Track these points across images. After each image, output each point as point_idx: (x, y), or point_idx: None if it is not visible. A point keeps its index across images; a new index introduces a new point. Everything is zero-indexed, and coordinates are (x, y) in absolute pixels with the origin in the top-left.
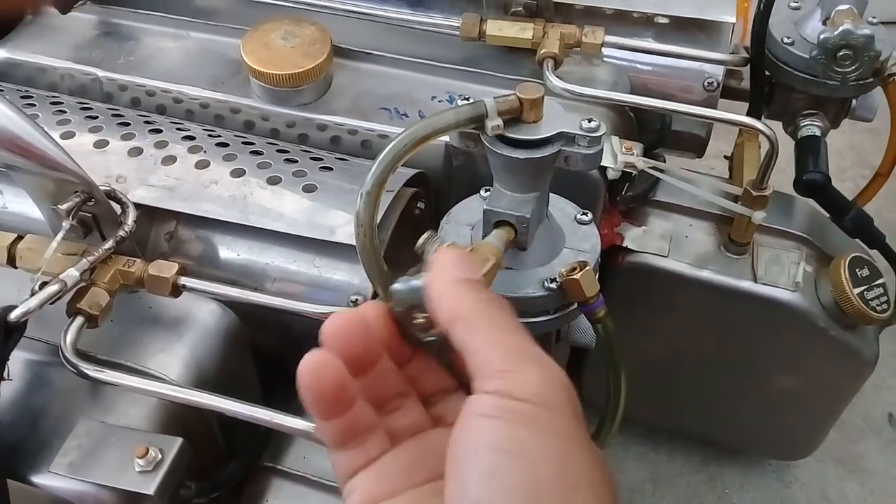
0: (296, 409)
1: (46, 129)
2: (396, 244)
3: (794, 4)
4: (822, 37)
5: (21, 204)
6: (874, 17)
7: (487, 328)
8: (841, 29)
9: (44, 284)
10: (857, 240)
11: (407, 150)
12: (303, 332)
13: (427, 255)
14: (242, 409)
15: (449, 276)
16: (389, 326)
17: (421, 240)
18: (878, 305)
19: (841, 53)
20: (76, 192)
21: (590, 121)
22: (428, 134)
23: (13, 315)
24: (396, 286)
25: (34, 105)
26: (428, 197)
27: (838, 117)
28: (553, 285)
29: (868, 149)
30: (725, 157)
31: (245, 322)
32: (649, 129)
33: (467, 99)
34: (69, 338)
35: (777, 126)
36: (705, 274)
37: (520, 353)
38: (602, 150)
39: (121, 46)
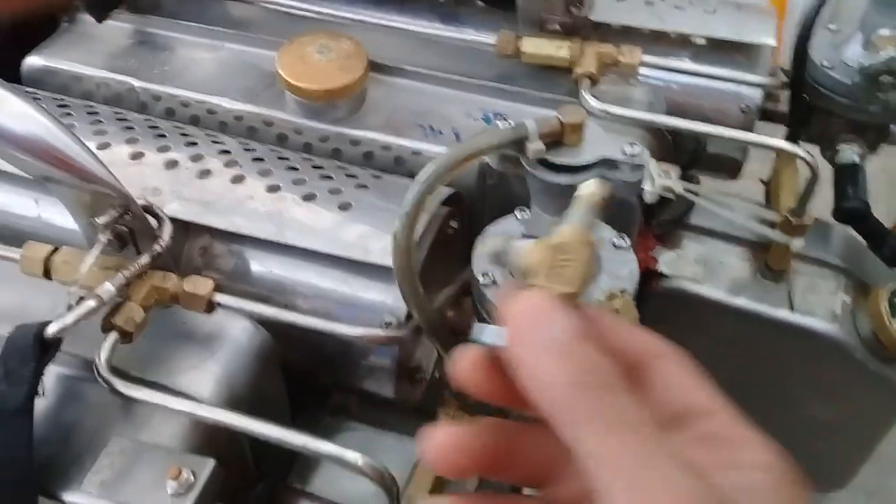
0: (324, 427)
1: (83, 138)
2: (429, 263)
3: (832, 27)
4: (863, 62)
5: (56, 213)
6: None
7: (597, 431)
8: (883, 55)
9: (80, 299)
10: None
11: (447, 171)
12: (334, 351)
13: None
14: (276, 432)
15: (529, 343)
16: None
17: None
18: None
19: (882, 79)
20: (113, 205)
21: (632, 145)
22: (468, 155)
23: (49, 331)
24: (476, 335)
25: (71, 114)
26: (461, 216)
27: (877, 143)
28: None
29: None
30: (762, 181)
31: (276, 339)
32: (684, 151)
33: (503, 117)
34: (104, 354)
35: (814, 150)
36: (741, 301)
37: (650, 468)
38: (643, 177)
39: (156, 56)
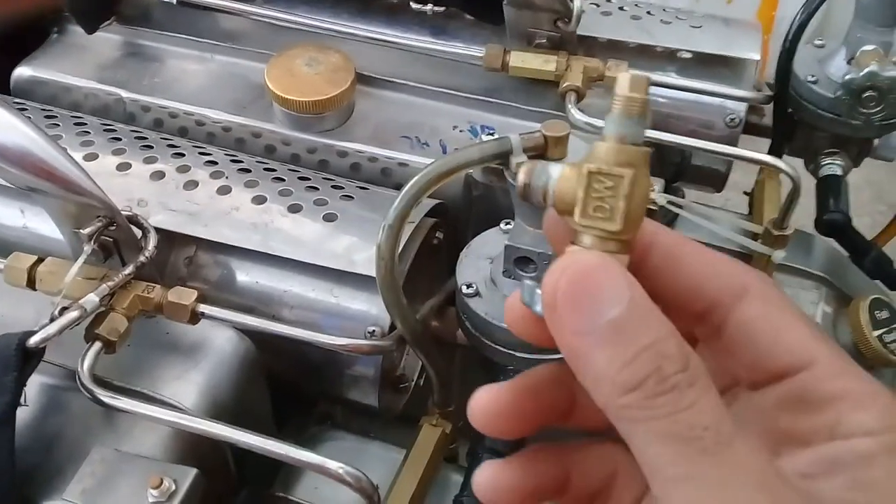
0: (309, 436)
1: (69, 149)
2: (414, 274)
3: (818, 42)
4: (847, 77)
5: (41, 223)
6: None
7: (654, 437)
8: (867, 71)
9: (63, 310)
10: (877, 281)
11: (431, 184)
12: (318, 361)
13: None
14: (259, 442)
15: (574, 328)
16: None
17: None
18: None
19: (866, 94)
20: (98, 216)
21: None
22: (452, 168)
23: (32, 341)
24: (525, 284)
25: (58, 125)
26: (447, 226)
27: (860, 156)
28: None
29: (886, 185)
30: (745, 193)
31: (261, 349)
32: (669, 163)
33: (490, 129)
34: (87, 364)
35: (798, 162)
36: None
37: (712, 487)
38: None
39: (145, 67)
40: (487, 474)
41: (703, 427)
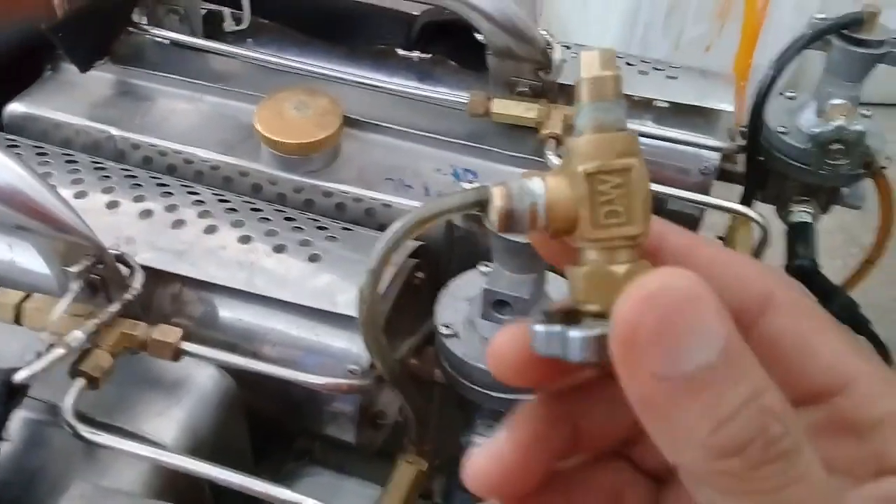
0: (287, 472)
1: (60, 186)
2: (395, 313)
3: (789, 94)
4: (815, 131)
5: (29, 258)
6: (868, 111)
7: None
8: (834, 125)
9: (49, 346)
10: (846, 326)
11: (412, 230)
12: (298, 398)
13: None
14: (236, 479)
15: (650, 373)
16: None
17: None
18: None
19: (834, 147)
20: (86, 254)
21: None
22: (432, 215)
23: (17, 377)
24: (539, 329)
25: (49, 162)
26: (428, 266)
27: (828, 204)
28: None
29: (857, 230)
30: (720, 237)
31: (242, 386)
32: None
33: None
34: (70, 400)
35: (770, 209)
36: None
37: None
38: None
39: (137, 106)
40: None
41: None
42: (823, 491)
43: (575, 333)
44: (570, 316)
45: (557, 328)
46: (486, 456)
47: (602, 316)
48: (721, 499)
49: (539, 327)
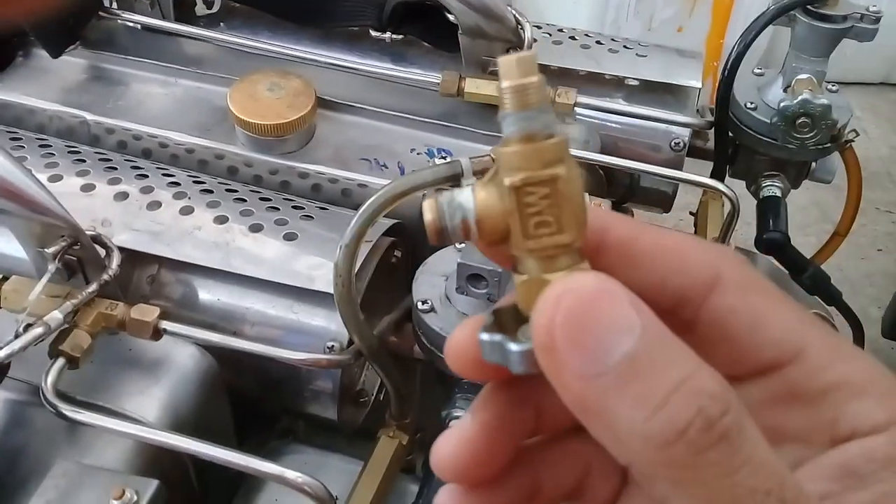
0: (270, 450)
1: (34, 171)
2: (372, 291)
3: (757, 71)
4: (781, 105)
5: (5, 242)
6: (833, 85)
7: (704, 500)
8: (800, 98)
9: (28, 326)
10: (815, 297)
11: (385, 205)
12: (279, 376)
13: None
14: (218, 452)
15: (575, 375)
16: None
17: None
18: None
19: (800, 121)
20: (62, 236)
21: None
22: (405, 190)
23: None
24: (484, 338)
25: (23, 147)
26: (404, 245)
27: (798, 179)
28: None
29: (831, 205)
30: (691, 213)
31: (223, 365)
32: (619, 185)
33: (446, 152)
34: (50, 379)
35: (740, 184)
36: None
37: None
38: None
39: (110, 91)
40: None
41: (765, 492)
42: (772, 469)
43: (513, 347)
44: (520, 315)
45: (499, 338)
46: (452, 442)
47: None
48: (674, 492)
49: (484, 336)
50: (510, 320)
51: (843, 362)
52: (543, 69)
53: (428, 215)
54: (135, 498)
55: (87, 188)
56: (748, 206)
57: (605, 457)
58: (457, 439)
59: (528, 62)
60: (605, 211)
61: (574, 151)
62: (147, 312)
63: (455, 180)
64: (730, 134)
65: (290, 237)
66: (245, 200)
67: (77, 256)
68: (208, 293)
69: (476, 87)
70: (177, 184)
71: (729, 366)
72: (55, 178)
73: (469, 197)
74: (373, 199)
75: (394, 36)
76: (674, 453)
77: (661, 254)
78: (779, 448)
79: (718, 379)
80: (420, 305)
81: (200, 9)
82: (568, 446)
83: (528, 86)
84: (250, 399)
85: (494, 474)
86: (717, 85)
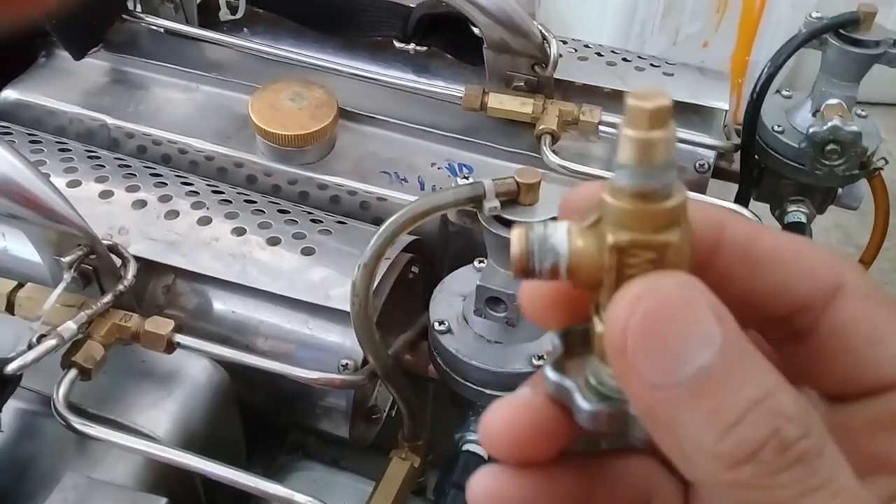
0: (279, 465)
1: (53, 175)
2: (389, 307)
3: (785, 93)
4: (811, 130)
5: (22, 248)
6: (863, 110)
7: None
8: (830, 125)
9: (41, 337)
10: None
11: (405, 225)
12: (291, 392)
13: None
14: (228, 473)
15: (647, 383)
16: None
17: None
18: None
19: (829, 148)
20: (79, 245)
21: None
22: (426, 211)
23: (9, 368)
24: (551, 378)
25: (42, 150)
26: (422, 262)
27: (824, 204)
28: (541, 362)
29: (854, 228)
30: None
31: (235, 378)
32: None
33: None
34: (62, 391)
35: (765, 207)
36: None
37: None
38: None
39: (131, 95)
40: (485, 483)
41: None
42: (853, 494)
43: (584, 405)
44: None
45: (569, 384)
46: (508, 410)
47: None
48: None
49: (551, 375)
50: (579, 345)
51: None
52: (568, 85)
53: (516, 250)
54: None
55: (106, 195)
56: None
57: (666, 485)
58: (514, 407)
59: (662, 114)
60: (721, 209)
61: (596, 171)
62: (161, 325)
63: (477, 202)
64: (755, 157)
65: (307, 251)
66: (263, 212)
67: (93, 266)
68: (223, 305)
69: (499, 102)
70: (195, 193)
71: (842, 379)
72: (74, 184)
73: (564, 240)
74: (393, 218)
75: (417, 47)
76: (744, 474)
77: (785, 256)
78: (875, 478)
79: (799, 400)
80: (437, 326)
81: (224, 14)
82: (629, 466)
83: (657, 141)
84: (261, 413)
85: (549, 456)
86: (739, 102)
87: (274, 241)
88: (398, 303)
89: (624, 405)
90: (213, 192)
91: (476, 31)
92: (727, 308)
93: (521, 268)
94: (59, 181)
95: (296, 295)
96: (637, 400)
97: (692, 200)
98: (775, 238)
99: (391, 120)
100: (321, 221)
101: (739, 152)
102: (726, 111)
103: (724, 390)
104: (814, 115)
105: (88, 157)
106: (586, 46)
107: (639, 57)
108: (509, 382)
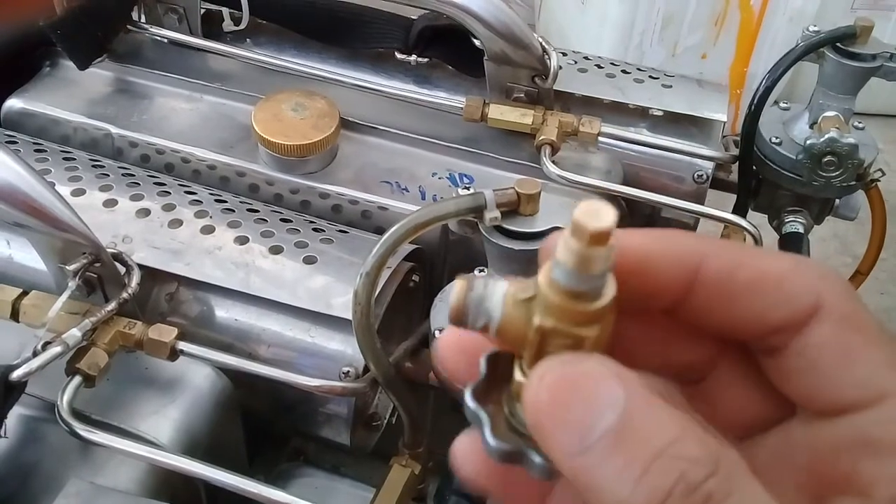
0: (280, 472)
1: (58, 183)
2: (390, 315)
3: (783, 105)
4: (808, 142)
5: (27, 256)
6: (860, 122)
7: None
8: (826, 137)
9: (46, 345)
10: None
11: (407, 234)
12: (293, 399)
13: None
14: (231, 479)
15: (564, 454)
16: None
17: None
18: None
19: (826, 159)
20: (84, 253)
21: None
22: (428, 221)
23: (14, 375)
24: (468, 403)
25: (47, 159)
26: (423, 269)
27: (821, 215)
28: None
29: (851, 238)
30: None
31: (237, 385)
32: (639, 215)
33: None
34: (66, 397)
35: (763, 218)
36: None
37: None
38: None
39: (135, 104)
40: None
41: None
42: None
43: (490, 441)
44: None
45: (482, 415)
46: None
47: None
48: None
49: (469, 402)
50: (504, 371)
51: None
52: (568, 97)
53: (454, 303)
54: None
55: (110, 203)
56: (767, 236)
57: None
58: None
59: (603, 235)
60: (702, 240)
61: (595, 182)
62: (165, 333)
63: (478, 212)
64: (753, 167)
65: (309, 260)
66: (266, 221)
67: (97, 274)
68: (226, 313)
69: (500, 113)
70: (198, 202)
71: (808, 399)
72: (78, 193)
73: (498, 305)
74: (395, 228)
75: (419, 59)
76: None
77: (763, 286)
78: (838, 498)
79: (706, 443)
80: (437, 334)
81: (228, 24)
82: None
83: (595, 257)
84: (263, 419)
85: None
86: (737, 114)
87: (276, 250)
88: (399, 310)
89: (528, 443)
90: (216, 201)
91: (477, 43)
92: (632, 371)
93: (456, 319)
94: (64, 190)
95: (298, 303)
96: (562, 468)
97: (656, 236)
98: (757, 265)
99: (393, 130)
100: (323, 230)
101: (737, 163)
102: (724, 122)
103: (630, 445)
104: (811, 126)
105: (93, 165)
106: (586, 58)
107: (638, 69)
108: None
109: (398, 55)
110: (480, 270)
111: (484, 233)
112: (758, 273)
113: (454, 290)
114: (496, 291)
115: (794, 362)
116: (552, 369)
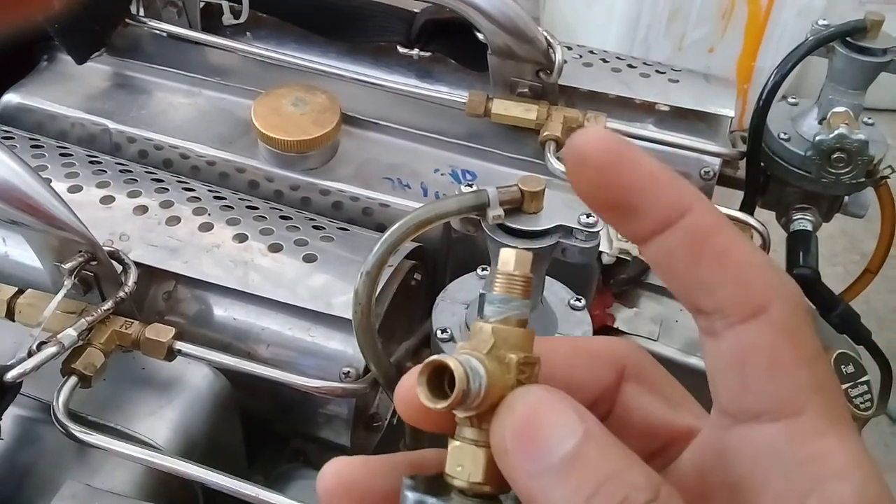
0: (280, 473)
1: (54, 180)
2: (391, 314)
3: (791, 100)
4: (817, 138)
5: (23, 254)
6: (869, 118)
7: None
8: (836, 132)
9: (41, 345)
10: (844, 335)
11: (409, 233)
12: (292, 400)
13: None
14: (229, 482)
15: (524, 474)
16: None
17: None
18: (861, 403)
19: (835, 156)
20: (80, 251)
21: (588, 216)
22: (430, 219)
23: (9, 375)
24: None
25: (43, 155)
26: (425, 268)
27: (830, 212)
28: None
29: (860, 235)
30: None
31: (236, 386)
32: None
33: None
34: (62, 398)
35: (770, 215)
36: (693, 361)
37: None
38: (598, 244)
39: (133, 99)
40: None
41: None
42: None
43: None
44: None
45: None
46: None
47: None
48: None
49: (411, 497)
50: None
51: (831, 436)
52: (573, 91)
53: (464, 387)
54: None
55: (107, 200)
56: (774, 234)
57: None
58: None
59: (524, 260)
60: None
61: None
62: (162, 332)
63: (481, 210)
64: (761, 164)
65: (309, 258)
66: (265, 218)
67: (94, 272)
68: (224, 311)
69: (504, 108)
70: (197, 199)
71: (730, 396)
72: (75, 189)
73: (480, 370)
74: (396, 226)
75: (421, 53)
76: None
77: (729, 261)
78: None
79: (650, 474)
80: (439, 334)
81: (227, 18)
82: None
83: (518, 279)
84: (262, 420)
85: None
86: (744, 108)
87: (276, 248)
88: (401, 309)
89: None
90: (215, 197)
91: (480, 36)
92: (587, 409)
93: (461, 402)
94: (61, 186)
95: (297, 302)
96: (520, 490)
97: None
98: (729, 241)
99: (394, 125)
100: (323, 228)
101: (745, 160)
102: (732, 118)
103: (584, 470)
104: (820, 122)
105: (90, 161)
106: (591, 52)
107: (644, 63)
108: None
109: (400, 49)
110: (483, 269)
111: (487, 231)
112: (730, 248)
113: (456, 376)
114: (470, 360)
115: (727, 353)
116: (517, 398)
